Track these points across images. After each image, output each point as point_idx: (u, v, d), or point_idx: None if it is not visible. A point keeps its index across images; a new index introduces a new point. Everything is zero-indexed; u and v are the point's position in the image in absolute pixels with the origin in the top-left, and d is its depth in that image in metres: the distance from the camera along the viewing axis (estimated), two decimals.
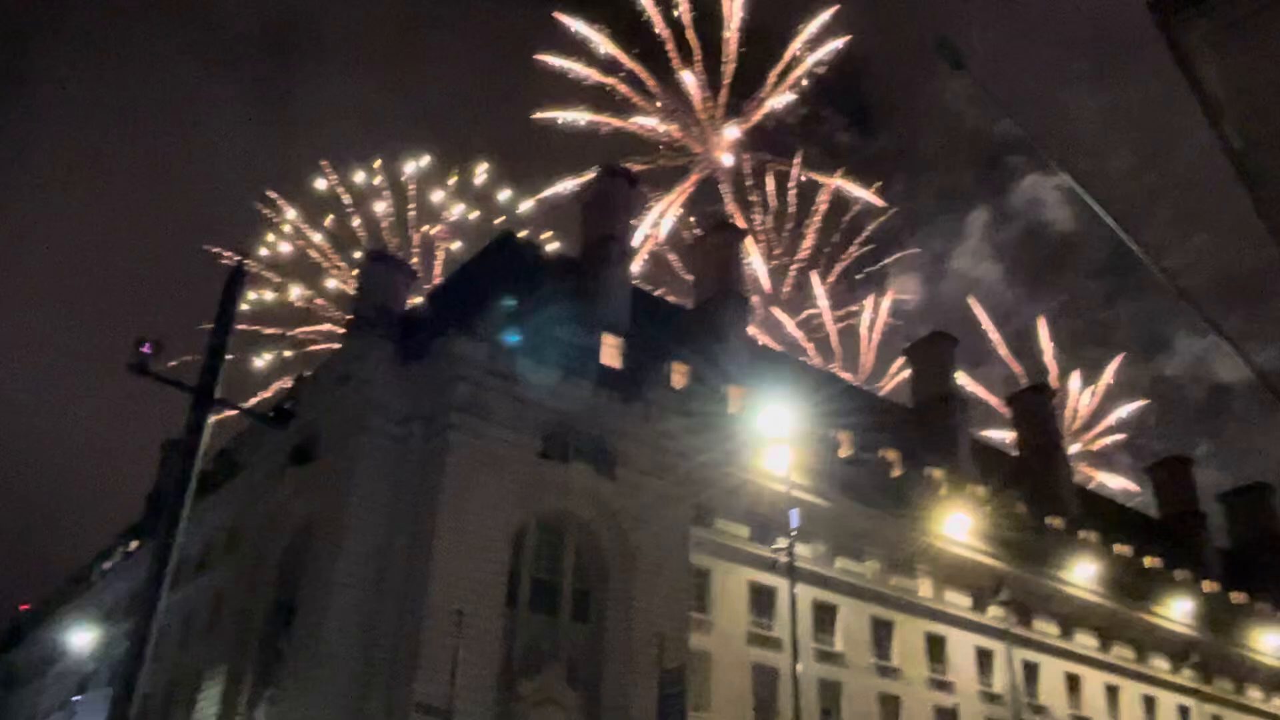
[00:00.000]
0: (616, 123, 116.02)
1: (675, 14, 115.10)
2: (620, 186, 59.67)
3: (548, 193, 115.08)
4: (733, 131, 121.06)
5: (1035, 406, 79.50)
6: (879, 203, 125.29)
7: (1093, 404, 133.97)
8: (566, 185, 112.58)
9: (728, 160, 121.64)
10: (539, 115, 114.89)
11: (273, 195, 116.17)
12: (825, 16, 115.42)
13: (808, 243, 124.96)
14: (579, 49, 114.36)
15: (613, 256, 54.93)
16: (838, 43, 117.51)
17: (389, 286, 53.52)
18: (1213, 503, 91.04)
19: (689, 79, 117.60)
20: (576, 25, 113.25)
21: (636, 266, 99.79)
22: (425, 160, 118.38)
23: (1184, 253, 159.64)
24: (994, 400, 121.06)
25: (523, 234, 71.68)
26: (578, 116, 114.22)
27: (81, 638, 59.56)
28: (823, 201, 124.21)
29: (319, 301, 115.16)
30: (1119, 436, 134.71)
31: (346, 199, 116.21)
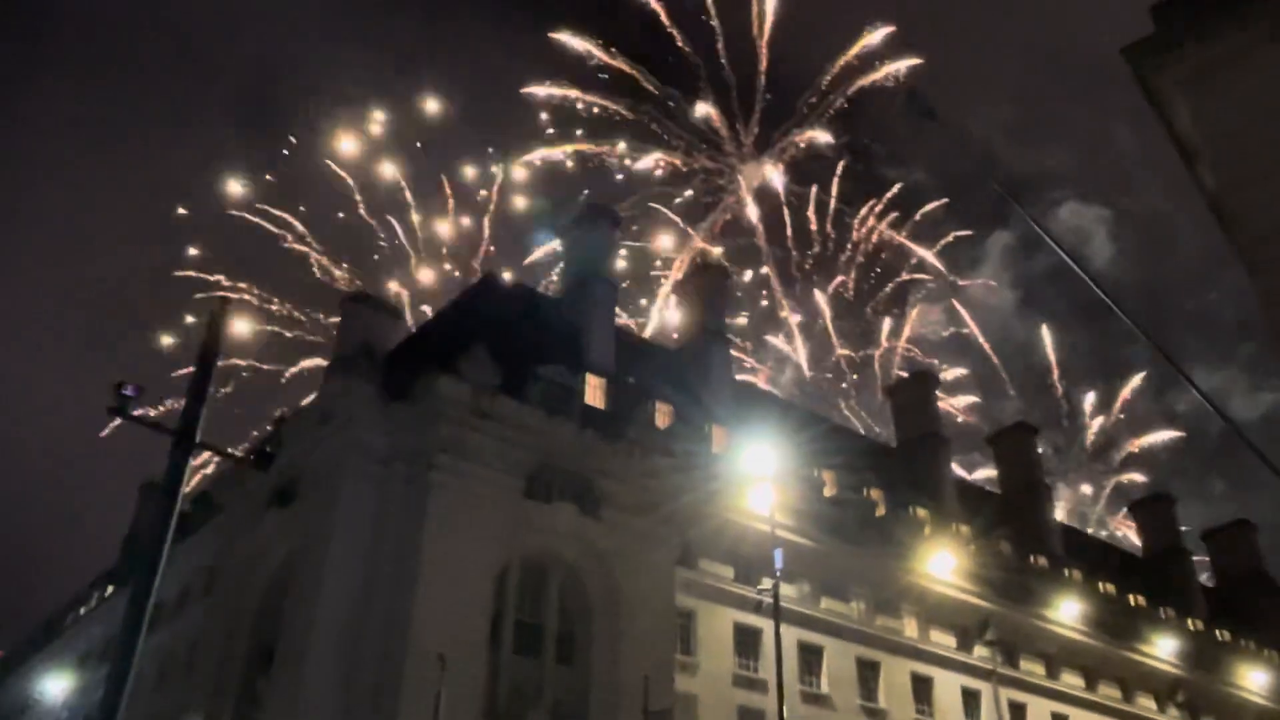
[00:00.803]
0: (656, 158, 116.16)
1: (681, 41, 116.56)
2: (603, 226, 59.98)
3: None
4: (765, 163, 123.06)
5: (1018, 445, 79.79)
6: (924, 255, 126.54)
7: (1111, 420, 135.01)
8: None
9: (769, 180, 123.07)
10: (538, 154, 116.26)
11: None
12: (875, 38, 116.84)
13: (839, 280, 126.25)
14: (589, 79, 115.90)
15: (597, 296, 55.08)
16: (902, 64, 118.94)
17: (371, 326, 53.39)
18: (1196, 540, 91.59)
19: (705, 109, 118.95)
20: (593, 51, 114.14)
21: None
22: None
23: (1218, 285, 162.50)
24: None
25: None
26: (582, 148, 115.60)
27: (56, 685, 58.45)
28: (860, 236, 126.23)
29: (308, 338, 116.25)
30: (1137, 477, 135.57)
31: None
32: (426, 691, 33.70)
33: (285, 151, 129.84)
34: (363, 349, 45.75)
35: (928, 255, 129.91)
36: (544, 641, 40.36)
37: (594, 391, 48.57)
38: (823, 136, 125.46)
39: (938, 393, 79.72)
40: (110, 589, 66.42)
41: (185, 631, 49.38)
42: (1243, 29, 15.84)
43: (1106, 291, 12.30)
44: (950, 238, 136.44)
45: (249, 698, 40.25)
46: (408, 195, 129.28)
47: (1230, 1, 16.06)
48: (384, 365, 45.11)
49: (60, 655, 65.42)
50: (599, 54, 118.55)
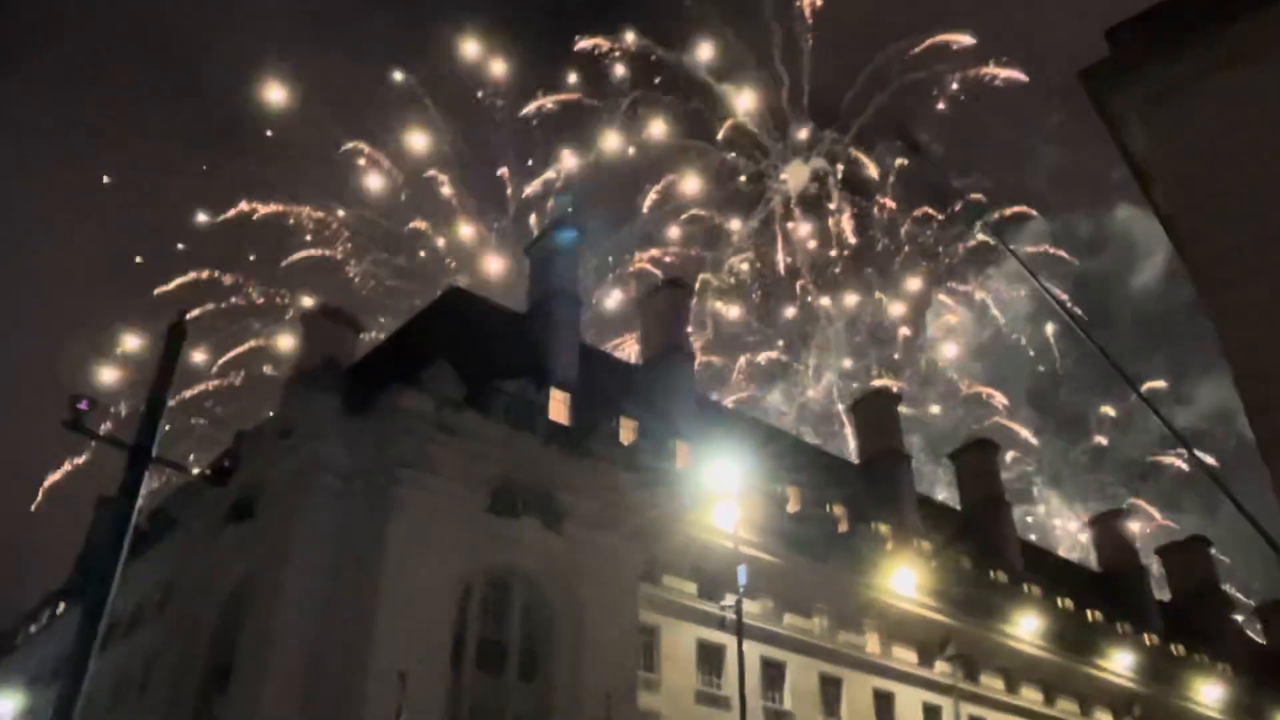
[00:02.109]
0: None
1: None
2: (568, 241, 59.98)
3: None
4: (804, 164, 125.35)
5: (979, 461, 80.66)
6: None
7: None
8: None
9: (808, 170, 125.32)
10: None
11: None
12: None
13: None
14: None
15: (561, 311, 55.05)
16: (999, 72, 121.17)
17: (334, 339, 52.91)
18: (1152, 556, 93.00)
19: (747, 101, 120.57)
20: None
21: None
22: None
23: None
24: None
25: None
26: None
27: (6, 705, 57.01)
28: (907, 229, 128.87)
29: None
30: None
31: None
32: (387, 709, 33.30)
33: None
34: (325, 362, 45.31)
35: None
36: (506, 658, 40.03)
37: (558, 406, 48.43)
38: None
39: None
40: (62, 606, 65.01)
41: (140, 650, 48.41)
42: (1198, 54, 16.23)
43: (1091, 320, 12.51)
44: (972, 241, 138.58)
45: (206, 716, 39.51)
46: (451, 198, 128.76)
47: (1185, 27, 16.45)
48: (346, 379, 44.71)
49: (10, 674, 63.79)
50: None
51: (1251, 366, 14.38)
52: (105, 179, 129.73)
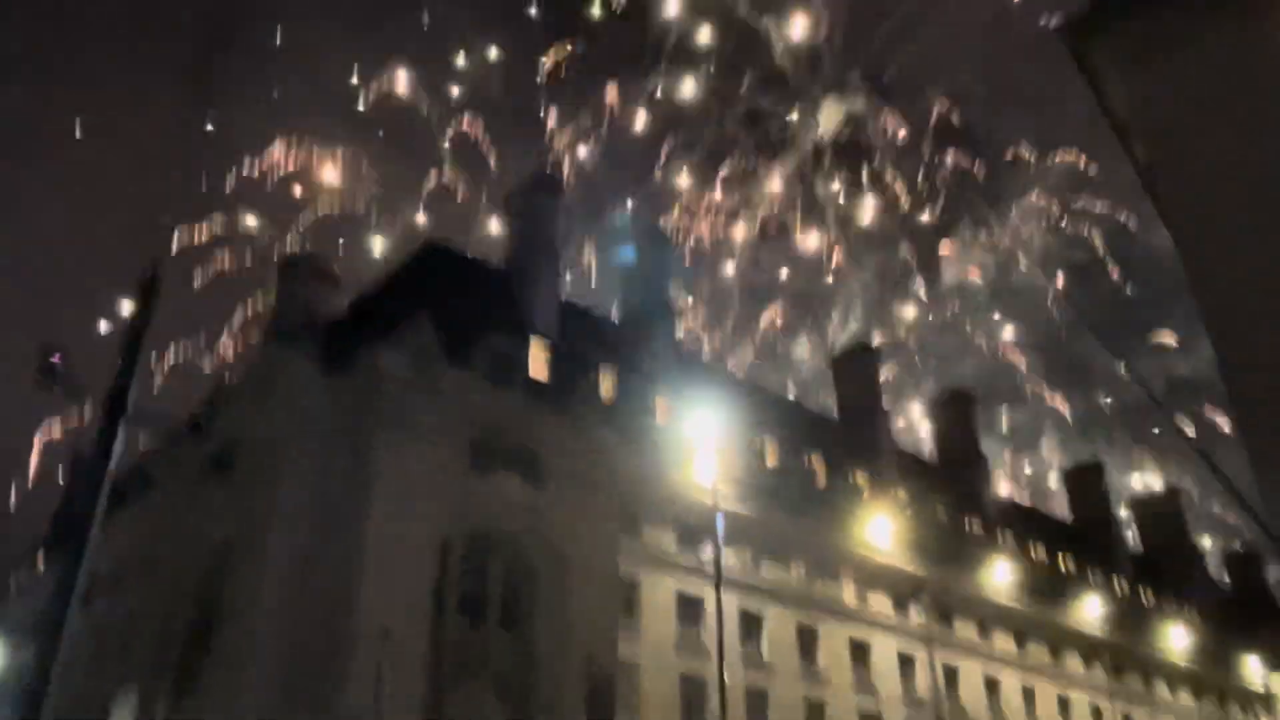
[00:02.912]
0: None
1: None
2: (548, 195, 59.49)
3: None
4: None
5: (957, 414, 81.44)
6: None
7: None
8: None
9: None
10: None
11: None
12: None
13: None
14: None
15: (541, 266, 54.74)
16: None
17: (310, 294, 52.41)
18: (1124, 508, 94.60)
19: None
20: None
21: None
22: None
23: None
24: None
25: None
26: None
27: None
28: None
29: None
30: None
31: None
32: (370, 664, 33.59)
33: None
34: (303, 319, 44.95)
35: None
36: (488, 612, 40.33)
37: (538, 363, 48.36)
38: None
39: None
40: (40, 563, 64.88)
41: (121, 607, 48.41)
42: (1178, 8, 16.15)
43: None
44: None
45: (188, 674, 39.65)
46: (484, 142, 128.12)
47: None
48: (324, 335, 44.41)
49: None
50: None
51: (1226, 323, 14.50)
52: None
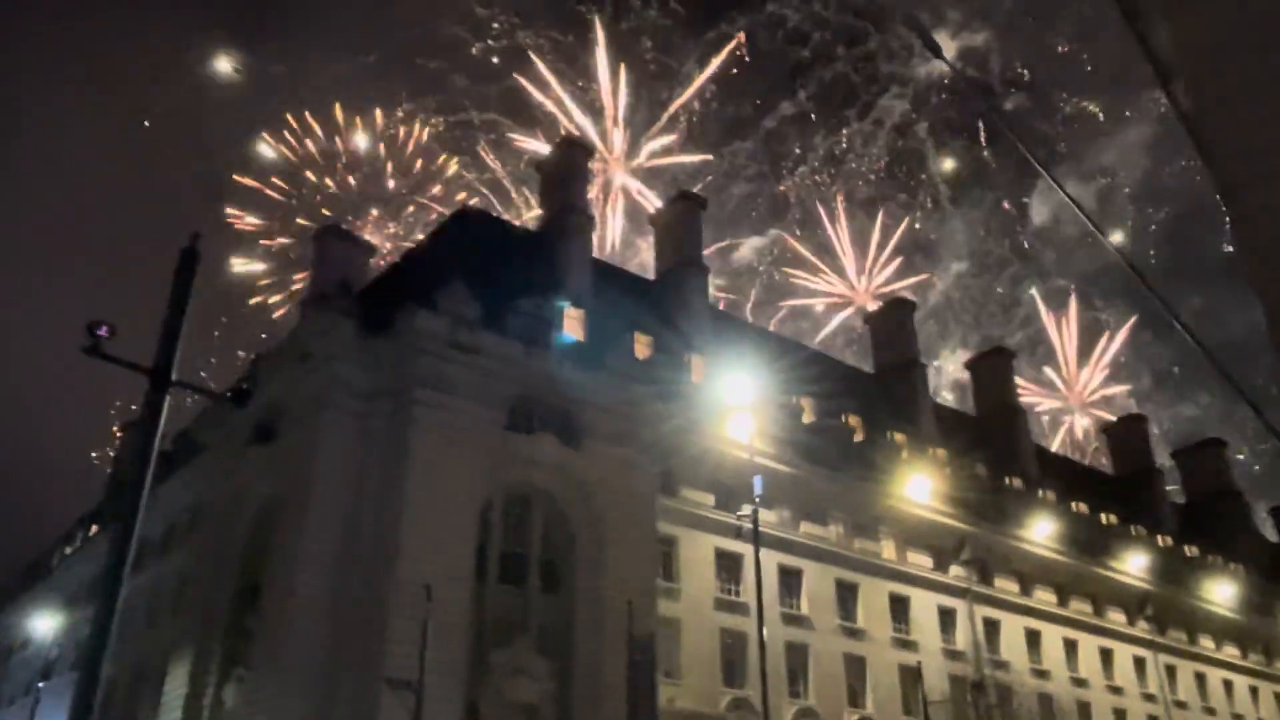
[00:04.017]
0: None
1: None
2: (579, 156, 59.29)
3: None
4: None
5: (995, 369, 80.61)
6: None
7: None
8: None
9: None
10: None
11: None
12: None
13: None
14: None
15: (573, 227, 54.68)
16: None
17: (346, 260, 52.92)
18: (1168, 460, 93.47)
19: None
20: None
21: None
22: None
23: None
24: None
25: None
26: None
27: (44, 624, 58.88)
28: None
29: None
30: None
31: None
32: (413, 622, 34.20)
33: None
34: (339, 284, 45.38)
35: None
36: (528, 571, 40.91)
37: (572, 323, 48.51)
38: None
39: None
40: (94, 529, 66.60)
41: (173, 569, 49.69)
42: None
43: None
44: None
45: (238, 633, 40.71)
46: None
47: None
48: (361, 300, 44.80)
49: (48, 595, 65.77)
50: None
51: (1272, 273, 14.17)
52: None
